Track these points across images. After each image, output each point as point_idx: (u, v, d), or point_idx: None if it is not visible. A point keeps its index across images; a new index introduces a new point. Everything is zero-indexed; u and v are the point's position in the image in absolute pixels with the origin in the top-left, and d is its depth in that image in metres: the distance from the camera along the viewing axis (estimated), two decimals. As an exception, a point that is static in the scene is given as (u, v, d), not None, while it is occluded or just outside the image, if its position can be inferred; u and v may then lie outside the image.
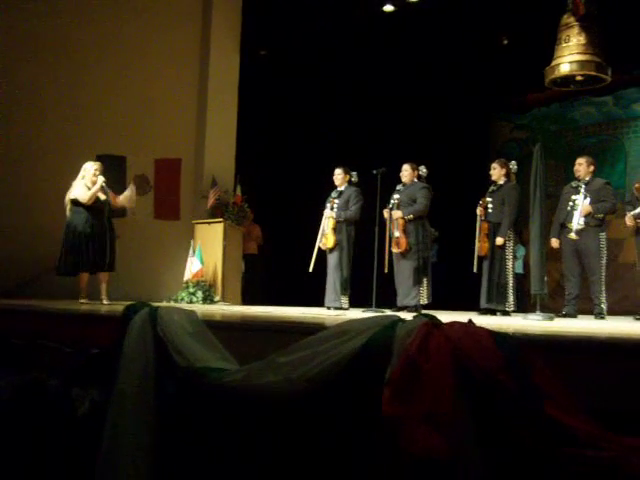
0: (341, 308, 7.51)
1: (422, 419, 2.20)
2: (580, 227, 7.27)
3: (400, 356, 2.31)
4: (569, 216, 7.43)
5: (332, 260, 7.74)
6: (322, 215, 7.89)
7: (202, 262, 8.68)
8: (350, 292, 7.73)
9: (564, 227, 7.53)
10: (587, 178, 7.54)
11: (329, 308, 7.53)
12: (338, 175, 7.94)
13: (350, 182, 7.94)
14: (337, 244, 7.67)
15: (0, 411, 4.46)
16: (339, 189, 7.92)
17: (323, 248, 7.76)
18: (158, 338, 3.27)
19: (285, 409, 2.56)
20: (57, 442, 4.19)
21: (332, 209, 7.75)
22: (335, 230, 7.68)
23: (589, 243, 7.34)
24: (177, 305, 6.46)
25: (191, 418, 3.03)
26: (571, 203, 7.46)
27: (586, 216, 7.30)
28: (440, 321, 2.44)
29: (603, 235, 7.40)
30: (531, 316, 5.92)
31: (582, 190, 7.40)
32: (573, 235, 7.25)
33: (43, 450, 4.33)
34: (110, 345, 3.71)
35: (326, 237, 7.70)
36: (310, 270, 7.63)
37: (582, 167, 7.59)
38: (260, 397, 2.62)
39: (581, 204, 7.33)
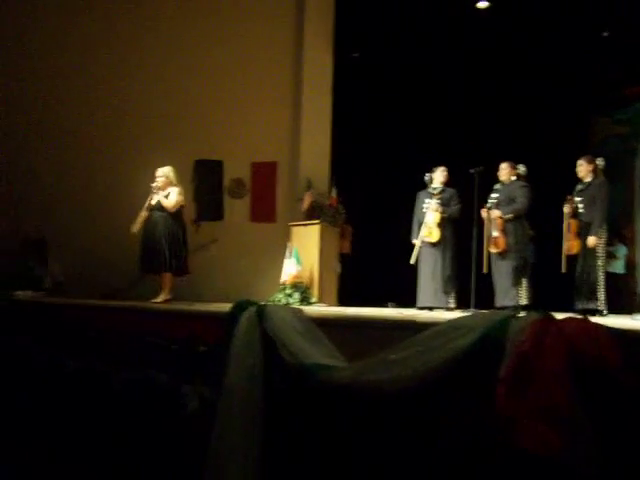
0: (447, 308, 7.45)
1: (536, 416, 2.17)
2: None
3: (513, 352, 2.28)
4: None
5: (434, 257, 7.64)
6: (413, 213, 7.90)
7: (300, 263, 8.73)
8: (457, 290, 7.64)
9: None
10: None
11: (430, 309, 7.43)
12: (443, 172, 7.90)
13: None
14: (441, 239, 7.60)
15: (111, 404, 4.66)
16: (440, 187, 7.83)
17: (427, 241, 7.65)
18: (266, 335, 3.34)
19: (396, 406, 2.56)
20: (167, 437, 4.33)
21: (437, 204, 7.66)
22: (440, 225, 7.60)
23: None
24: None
25: (300, 414, 3.08)
26: None
27: None
28: (554, 317, 2.39)
29: None
30: (638, 316, 5.72)
31: None
32: None
33: (152, 444, 4.48)
34: (217, 343, 3.80)
35: (430, 230, 7.61)
36: (412, 262, 7.58)
37: None
38: (370, 394, 2.63)
39: None
